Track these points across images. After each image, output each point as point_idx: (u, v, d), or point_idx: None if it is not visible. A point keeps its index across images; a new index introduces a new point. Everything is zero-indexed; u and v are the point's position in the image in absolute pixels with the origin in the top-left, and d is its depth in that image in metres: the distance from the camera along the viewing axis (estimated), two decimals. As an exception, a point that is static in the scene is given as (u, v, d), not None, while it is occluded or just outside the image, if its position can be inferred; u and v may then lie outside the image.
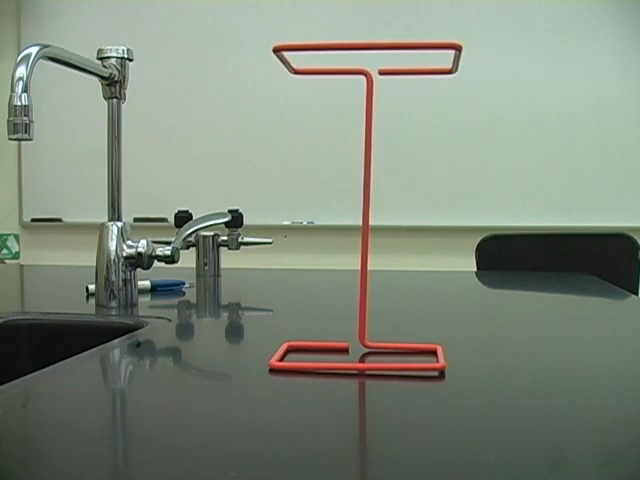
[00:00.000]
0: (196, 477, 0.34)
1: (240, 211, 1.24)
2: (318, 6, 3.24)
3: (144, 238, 0.90)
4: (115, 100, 0.90)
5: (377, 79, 0.57)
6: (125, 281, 0.89)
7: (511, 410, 0.46)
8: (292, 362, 0.57)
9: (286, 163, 3.28)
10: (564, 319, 0.86)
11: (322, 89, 3.20)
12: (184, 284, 1.10)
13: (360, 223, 0.58)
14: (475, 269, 1.79)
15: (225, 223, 1.18)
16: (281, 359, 0.57)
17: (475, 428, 0.42)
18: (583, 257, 1.77)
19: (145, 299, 0.96)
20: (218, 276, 1.24)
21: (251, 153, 3.29)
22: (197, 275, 1.23)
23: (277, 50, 0.55)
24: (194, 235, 1.20)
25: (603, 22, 3.11)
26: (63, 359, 0.58)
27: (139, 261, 0.88)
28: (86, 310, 0.87)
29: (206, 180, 3.31)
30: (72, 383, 0.53)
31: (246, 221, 1.29)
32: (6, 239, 3.49)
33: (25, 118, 0.72)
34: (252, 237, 1.28)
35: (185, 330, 0.76)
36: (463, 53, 0.55)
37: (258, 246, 1.29)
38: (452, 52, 0.54)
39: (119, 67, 0.89)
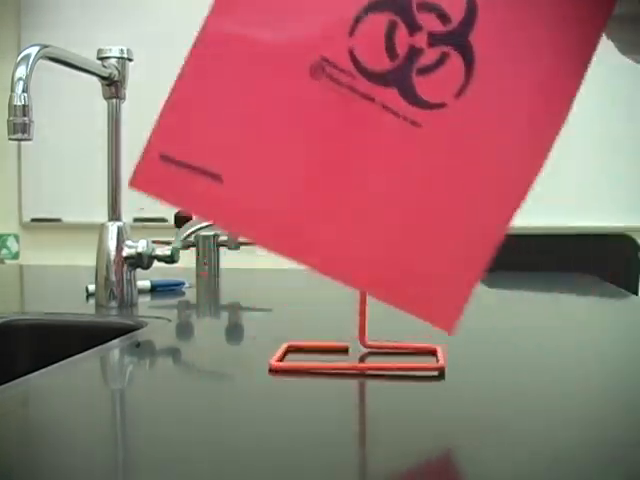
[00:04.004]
0: (196, 477, 0.34)
1: (240, 211, 1.24)
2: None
3: (144, 238, 0.90)
4: (115, 100, 0.90)
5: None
6: (125, 281, 0.89)
7: (511, 410, 0.46)
8: (292, 362, 0.57)
9: (286, 163, 3.28)
10: (564, 319, 0.86)
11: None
12: (184, 284, 1.10)
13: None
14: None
15: (225, 223, 1.18)
16: (281, 359, 0.57)
17: (475, 428, 0.42)
18: (583, 257, 1.77)
19: (145, 299, 0.96)
20: (218, 276, 1.24)
21: (251, 153, 3.29)
22: (197, 275, 1.23)
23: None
24: (194, 235, 1.20)
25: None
26: (63, 359, 0.58)
27: (139, 261, 0.88)
28: (86, 310, 0.87)
29: (206, 180, 3.31)
30: (72, 383, 0.53)
31: (246, 221, 1.28)
32: (6, 239, 3.49)
33: (25, 118, 0.72)
34: (252, 237, 1.28)
35: (185, 330, 0.76)
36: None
37: (258, 246, 1.28)
38: None
39: (119, 67, 0.89)
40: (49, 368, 0.55)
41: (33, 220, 3.48)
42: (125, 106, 0.91)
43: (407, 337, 0.66)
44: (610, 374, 0.58)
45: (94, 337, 0.77)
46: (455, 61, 0.40)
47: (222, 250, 1.25)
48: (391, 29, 0.39)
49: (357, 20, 0.39)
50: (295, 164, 0.40)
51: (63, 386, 0.52)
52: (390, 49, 0.39)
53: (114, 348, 0.65)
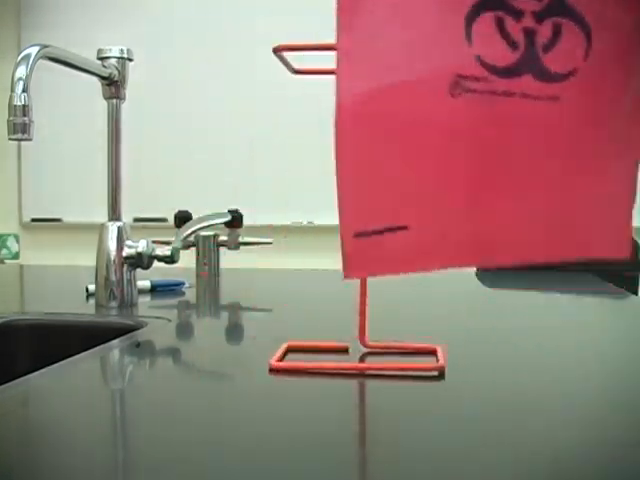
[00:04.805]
0: (196, 477, 0.34)
1: (240, 211, 1.24)
2: (319, 6, 3.24)
3: (144, 238, 0.90)
4: (115, 100, 0.90)
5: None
6: (125, 281, 0.89)
7: (511, 410, 0.46)
8: (292, 362, 0.57)
9: (286, 163, 3.28)
10: (564, 319, 0.86)
11: (322, 89, 3.20)
12: (184, 284, 1.10)
13: (360, 223, 0.58)
14: (475, 269, 1.79)
15: (225, 223, 1.18)
16: (281, 359, 0.57)
17: (475, 428, 0.42)
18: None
19: (145, 299, 0.96)
20: (218, 276, 1.24)
21: (251, 153, 3.29)
22: (197, 275, 1.23)
23: (277, 50, 0.55)
24: (194, 235, 1.20)
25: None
26: (63, 359, 0.58)
27: (139, 261, 0.88)
28: (86, 310, 0.87)
29: (206, 180, 3.31)
30: (72, 383, 0.53)
31: (246, 221, 1.29)
32: (6, 239, 3.49)
33: (25, 118, 0.72)
34: (252, 237, 1.28)
35: (185, 330, 0.76)
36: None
37: (258, 246, 1.29)
38: None
39: (119, 67, 0.89)
40: (49, 368, 0.55)
41: (33, 220, 3.48)
42: (125, 106, 0.91)
43: (407, 337, 0.66)
44: (610, 374, 0.58)
45: (94, 337, 0.77)
46: (570, 27, 0.41)
47: (222, 250, 1.25)
48: (500, 23, 0.41)
49: (469, 25, 0.41)
50: (460, 180, 0.42)
51: (63, 386, 0.52)
52: (509, 41, 0.41)
53: (114, 348, 0.65)
